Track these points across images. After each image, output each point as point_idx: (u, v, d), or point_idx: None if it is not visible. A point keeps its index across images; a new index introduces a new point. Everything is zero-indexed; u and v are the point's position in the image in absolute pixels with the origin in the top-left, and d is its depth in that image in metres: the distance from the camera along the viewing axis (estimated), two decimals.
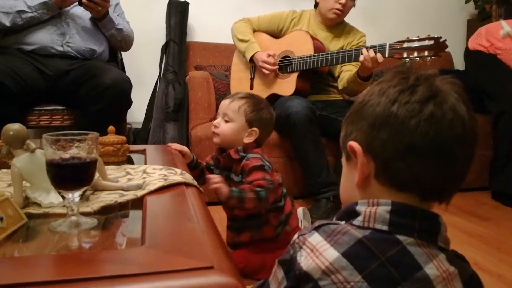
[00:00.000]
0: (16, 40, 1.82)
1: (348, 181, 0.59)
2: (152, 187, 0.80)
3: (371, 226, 0.52)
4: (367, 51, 1.83)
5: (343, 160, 0.62)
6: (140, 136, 2.37)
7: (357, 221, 0.53)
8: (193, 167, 1.30)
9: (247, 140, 1.24)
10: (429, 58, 1.73)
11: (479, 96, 2.45)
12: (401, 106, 0.52)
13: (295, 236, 0.55)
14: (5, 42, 1.85)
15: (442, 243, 0.53)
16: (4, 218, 0.61)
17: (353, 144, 0.55)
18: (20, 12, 1.77)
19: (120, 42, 2.05)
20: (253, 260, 1.23)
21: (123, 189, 0.80)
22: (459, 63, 3.26)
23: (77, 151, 0.64)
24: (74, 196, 0.64)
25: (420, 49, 1.74)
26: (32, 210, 0.70)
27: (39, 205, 0.72)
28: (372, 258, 0.49)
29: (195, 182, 0.89)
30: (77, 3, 1.82)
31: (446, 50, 1.74)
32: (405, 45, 1.77)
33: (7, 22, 1.77)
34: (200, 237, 0.56)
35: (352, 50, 1.93)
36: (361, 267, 0.49)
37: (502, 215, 2.05)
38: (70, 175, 0.64)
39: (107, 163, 0.99)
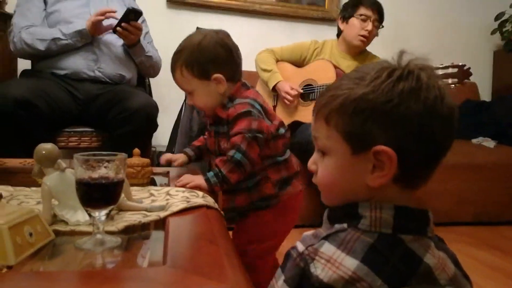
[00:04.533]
0: (51, 64, 1.91)
1: (352, 174, 0.57)
2: (174, 208, 0.81)
3: (378, 230, 0.54)
4: None
5: (344, 151, 0.57)
6: None
7: (363, 225, 0.55)
8: (198, 159, 1.26)
9: (221, 89, 1.10)
10: (453, 85, 1.73)
11: None
12: (437, 116, 0.54)
13: (300, 247, 0.54)
14: (40, 66, 1.94)
15: (430, 233, 0.57)
16: (33, 233, 0.64)
17: (389, 151, 0.53)
18: (55, 39, 1.85)
19: (148, 68, 2.12)
20: (259, 230, 1.15)
21: (146, 210, 0.82)
22: (484, 94, 3.23)
23: (106, 171, 0.66)
24: (101, 214, 0.66)
25: (443, 76, 1.74)
26: (59, 227, 0.72)
27: (66, 223, 0.74)
28: (386, 261, 0.52)
29: (216, 205, 0.90)
30: (110, 31, 1.90)
31: (472, 80, 1.73)
32: None
33: (42, 47, 1.86)
34: (220, 259, 0.57)
35: None
36: (379, 271, 0.51)
37: None
38: (98, 194, 0.66)
39: (130, 185, 1.01)
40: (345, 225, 0.55)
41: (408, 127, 0.53)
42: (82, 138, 1.88)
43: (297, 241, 0.56)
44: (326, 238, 0.54)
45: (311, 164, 0.63)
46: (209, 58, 1.09)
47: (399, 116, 0.53)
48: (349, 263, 0.51)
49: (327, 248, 0.53)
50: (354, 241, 0.53)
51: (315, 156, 0.63)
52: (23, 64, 2.16)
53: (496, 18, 3.15)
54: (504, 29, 3.14)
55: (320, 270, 0.51)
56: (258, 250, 1.16)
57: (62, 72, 1.89)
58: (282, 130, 1.16)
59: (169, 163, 1.28)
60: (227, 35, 1.15)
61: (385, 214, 0.54)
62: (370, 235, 0.53)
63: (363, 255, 0.51)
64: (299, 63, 2.32)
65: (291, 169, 1.17)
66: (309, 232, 0.57)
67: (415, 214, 0.56)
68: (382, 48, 2.48)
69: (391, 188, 0.56)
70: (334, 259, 0.52)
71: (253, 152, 1.06)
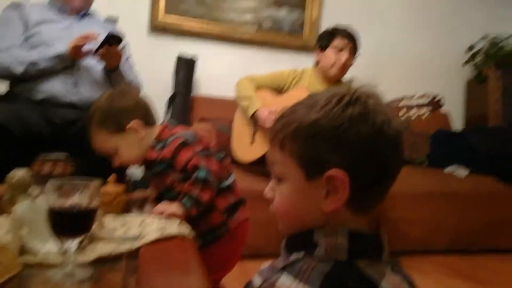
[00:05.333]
0: (29, 87, 1.87)
1: (307, 200, 0.58)
2: (148, 239, 0.80)
3: (333, 257, 0.54)
4: None
5: (298, 177, 0.58)
6: (139, 186, 2.38)
7: (319, 252, 0.55)
8: None
9: (141, 134, 1.12)
10: (425, 115, 1.78)
11: None
12: (385, 139, 0.56)
13: (257, 282, 0.54)
14: (17, 89, 1.91)
15: (385, 257, 0.57)
16: None
17: (341, 175, 0.54)
18: (34, 63, 1.84)
19: None
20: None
21: (120, 240, 0.80)
22: (457, 124, 3.32)
23: (79, 198, 0.65)
24: (72, 244, 0.65)
25: (416, 107, 1.79)
26: (28, 258, 0.70)
27: (35, 254, 0.72)
28: None
29: (191, 235, 0.89)
30: (91, 55, 1.89)
31: (445, 110, 1.78)
32: (402, 103, 1.82)
33: (20, 70, 1.83)
34: None
35: None
36: None
37: (503, 280, 2.00)
38: (70, 223, 0.65)
39: (103, 213, 0.99)
40: (302, 253, 0.56)
41: (358, 150, 0.55)
42: (56, 164, 1.84)
43: (255, 274, 0.56)
44: (283, 269, 0.54)
45: (267, 191, 0.63)
46: (118, 110, 1.12)
47: (350, 139, 0.54)
48: None
49: (284, 281, 0.53)
50: (310, 270, 0.53)
51: (271, 184, 0.63)
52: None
53: (468, 50, 3.29)
54: (475, 61, 3.27)
55: None
56: None
57: (39, 96, 1.86)
58: (220, 155, 1.18)
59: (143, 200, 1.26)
60: (128, 87, 1.22)
61: (340, 240, 0.55)
62: (326, 263, 0.54)
63: (319, 284, 0.51)
64: (279, 91, 2.36)
65: (237, 195, 1.19)
66: (266, 264, 0.57)
67: (369, 239, 0.57)
68: (359, 78, 2.55)
69: (344, 213, 0.57)
70: None
71: (213, 166, 1.08)
